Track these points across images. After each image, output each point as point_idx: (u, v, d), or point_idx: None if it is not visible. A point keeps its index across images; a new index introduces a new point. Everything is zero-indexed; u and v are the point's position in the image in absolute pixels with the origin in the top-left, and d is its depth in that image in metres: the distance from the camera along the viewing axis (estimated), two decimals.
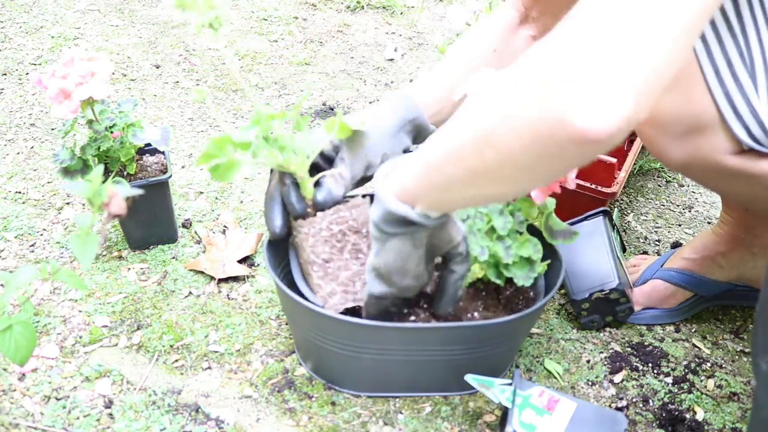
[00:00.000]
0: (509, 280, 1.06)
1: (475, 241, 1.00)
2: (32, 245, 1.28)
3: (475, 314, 1.05)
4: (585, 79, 0.63)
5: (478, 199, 0.81)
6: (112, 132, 1.18)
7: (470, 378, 0.96)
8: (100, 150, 1.18)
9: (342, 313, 0.95)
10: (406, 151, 1.08)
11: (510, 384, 0.96)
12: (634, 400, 1.09)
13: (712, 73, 0.89)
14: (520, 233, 1.03)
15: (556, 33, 0.68)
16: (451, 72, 1.11)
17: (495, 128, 0.70)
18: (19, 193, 1.40)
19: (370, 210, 0.90)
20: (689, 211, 1.56)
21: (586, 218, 1.25)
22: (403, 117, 1.05)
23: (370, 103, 1.81)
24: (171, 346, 1.11)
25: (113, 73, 1.81)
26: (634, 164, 1.59)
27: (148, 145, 1.26)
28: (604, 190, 1.31)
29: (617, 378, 1.13)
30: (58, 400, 1.01)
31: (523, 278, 1.01)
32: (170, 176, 1.24)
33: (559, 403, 0.95)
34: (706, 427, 1.06)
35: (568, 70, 0.64)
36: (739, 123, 0.90)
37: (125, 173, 1.23)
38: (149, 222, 1.27)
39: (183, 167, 1.52)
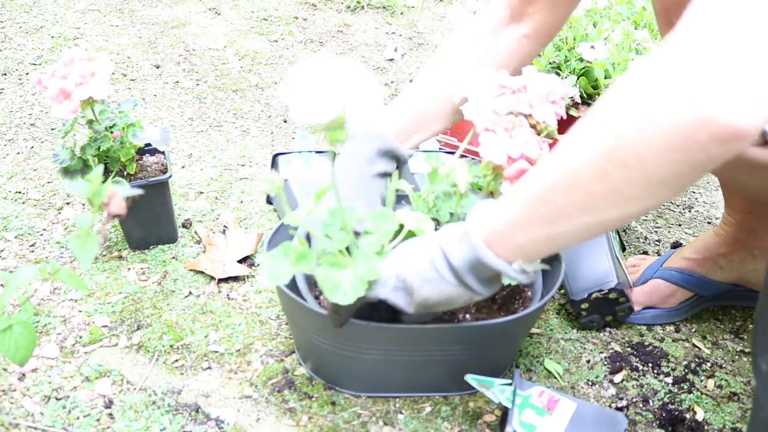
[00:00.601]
0: None
1: None
2: (32, 245, 1.28)
3: (467, 315, 1.05)
4: (725, 73, 0.60)
5: (592, 228, 0.74)
6: (112, 132, 1.18)
7: (470, 378, 0.96)
8: (100, 150, 1.18)
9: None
10: (385, 176, 1.06)
11: (510, 384, 0.96)
12: (634, 400, 1.09)
13: None
14: None
15: (676, 36, 0.64)
16: (424, 97, 1.09)
17: (619, 144, 0.66)
18: (19, 193, 1.40)
19: (443, 242, 0.83)
20: (689, 211, 1.56)
21: None
22: (378, 150, 1.05)
23: None
24: (171, 346, 1.11)
25: (113, 73, 1.81)
26: None
27: (148, 145, 1.26)
28: None
29: (617, 378, 1.13)
30: (58, 400, 1.01)
31: None
32: (170, 176, 1.24)
33: (559, 403, 0.95)
34: (706, 427, 1.06)
35: (703, 67, 0.61)
36: None
37: (125, 173, 1.23)
38: (149, 222, 1.27)
39: (183, 167, 1.52)
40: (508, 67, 1.12)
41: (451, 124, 1.13)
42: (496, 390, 0.95)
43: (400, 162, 1.09)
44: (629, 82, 0.67)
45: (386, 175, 1.07)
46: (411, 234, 0.94)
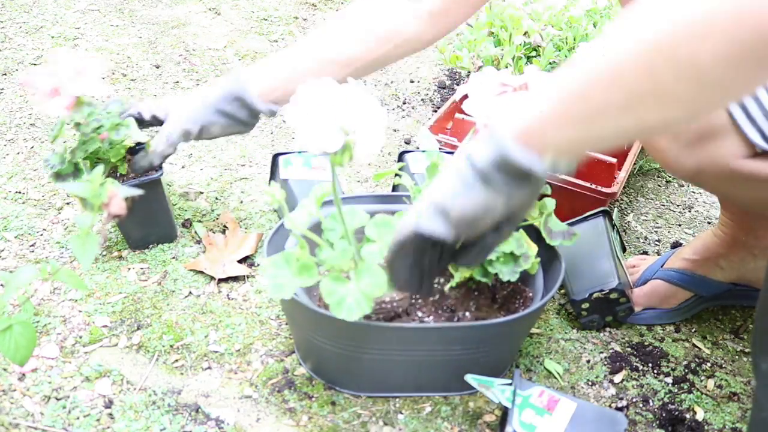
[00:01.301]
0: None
1: None
2: (32, 245, 1.28)
3: (467, 314, 1.05)
4: None
5: (631, 131, 0.67)
6: (99, 133, 1.18)
7: (470, 378, 0.96)
8: (89, 152, 1.17)
9: None
10: (232, 119, 1.17)
11: (510, 384, 0.96)
12: (634, 400, 1.09)
13: None
14: None
15: None
16: (307, 57, 1.14)
17: (672, 35, 0.58)
18: (19, 193, 1.40)
19: (469, 148, 0.75)
20: (689, 211, 1.56)
21: (586, 218, 1.25)
22: (228, 92, 1.14)
23: None
24: (171, 346, 1.11)
25: (113, 73, 1.81)
26: (634, 164, 1.59)
27: (139, 144, 1.26)
28: (604, 190, 1.31)
29: (617, 378, 1.13)
30: (58, 400, 1.01)
31: (508, 273, 1.01)
32: (162, 174, 1.23)
33: (559, 403, 0.95)
34: (706, 427, 1.06)
35: None
36: (753, 126, 0.90)
37: (117, 174, 1.23)
38: (146, 221, 1.27)
39: (183, 167, 1.51)
40: (396, 40, 1.13)
41: None
42: (496, 390, 0.95)
43: (254, 115, 1.18)
44: None
45: (233, 117, 1.17)
46: None
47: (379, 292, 0.86)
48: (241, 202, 1.43)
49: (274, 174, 1.39)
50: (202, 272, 1.25)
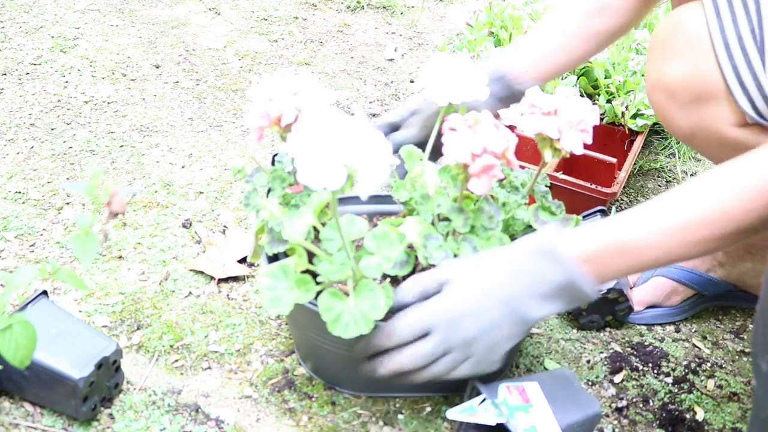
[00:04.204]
0: None
1: (437, 246, 0.94)
2: (32, 245, 1.28)
3: None
4: None
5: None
6: None
7: (452, 413, 0.90)
8: None
9: None
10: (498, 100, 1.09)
11: (482, 396, 0.91)
12: (634, 400, 1.09)
13: (722, 44, 0.90)
14: (491, 229, 0.99)
15: None
16: (552, 35, 1.12)
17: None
18: (19, 193, 1.40)
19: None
20: None
21: (583, 218, 1.25)
22: (492, 75, 1.08)
23: (370, 103, 1.81)
24: (171, 346, 1.11)
25: (113, 73, 1.81)
26: (634, 164, 1.59)
27: None
28: (604, 190, 1.31)
29: (617, 378, 1.13)
30: None
31: None
32: None
33: (526, 389, 0.92)
34: (706, 427, 1.06)
35: None
36: (744, 96, 0.91)
37: None
38: None
39: (183, 167, 1.51)
40: (627, 18, 1.14)
41: (581, 61, 1.16)
42: (481, 411, 0.90)
43: (513, 94, 1.11)
44: None
45: (498, 98, 1.10)
46: (409, 249, 0.92)
47: (379, 315, 0.85)
48: (241, 202, 1.43)
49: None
50: (202, 272, 1.25)
